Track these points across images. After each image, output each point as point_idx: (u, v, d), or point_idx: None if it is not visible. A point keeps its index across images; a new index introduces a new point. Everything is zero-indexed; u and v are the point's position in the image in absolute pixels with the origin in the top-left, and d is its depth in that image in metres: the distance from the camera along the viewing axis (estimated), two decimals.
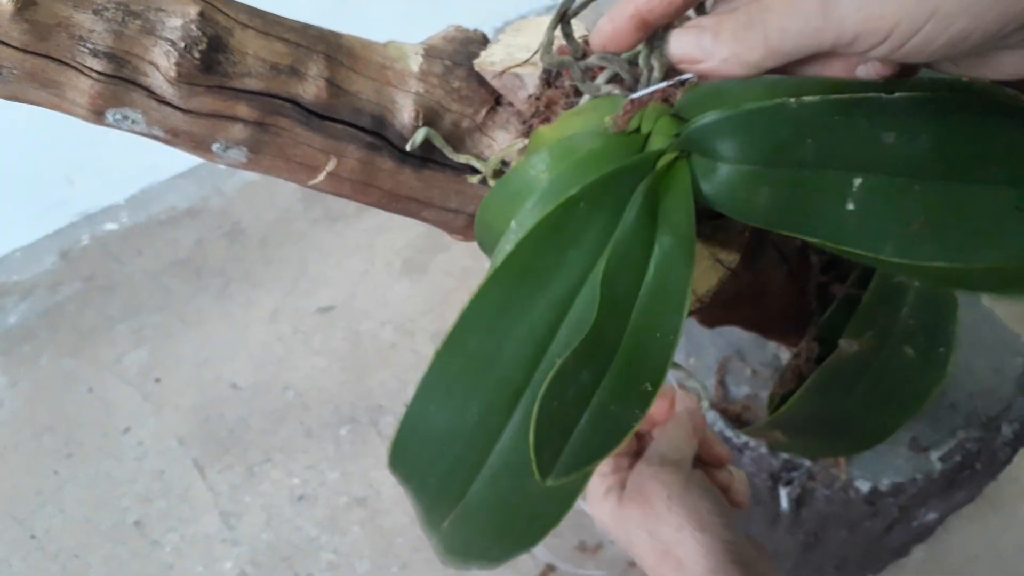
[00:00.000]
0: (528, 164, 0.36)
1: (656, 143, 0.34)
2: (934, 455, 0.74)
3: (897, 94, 0.31)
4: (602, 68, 0.41)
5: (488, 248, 0.40)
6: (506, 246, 0.34)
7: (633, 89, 0.42)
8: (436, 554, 0.41)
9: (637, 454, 0.47)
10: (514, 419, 0.34)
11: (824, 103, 0.31)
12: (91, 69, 0.36)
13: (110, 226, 1.29)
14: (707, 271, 0.38)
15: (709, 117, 0.33)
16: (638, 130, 0.35)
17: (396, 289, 1.21)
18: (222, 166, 1.46)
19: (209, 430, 1.10)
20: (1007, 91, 0.32)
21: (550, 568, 0.97)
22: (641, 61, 0.39)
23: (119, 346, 1.17)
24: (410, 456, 0.36)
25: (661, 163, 0.34)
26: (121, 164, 1.28)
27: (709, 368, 0.86)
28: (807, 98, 0.31)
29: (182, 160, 1.32)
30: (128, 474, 1.07)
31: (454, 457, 0.35)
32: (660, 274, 0.33)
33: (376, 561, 0.99)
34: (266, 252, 1.26)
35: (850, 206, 0.31)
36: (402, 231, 1.26)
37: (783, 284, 0.51)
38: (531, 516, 0.36)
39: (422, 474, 0.37)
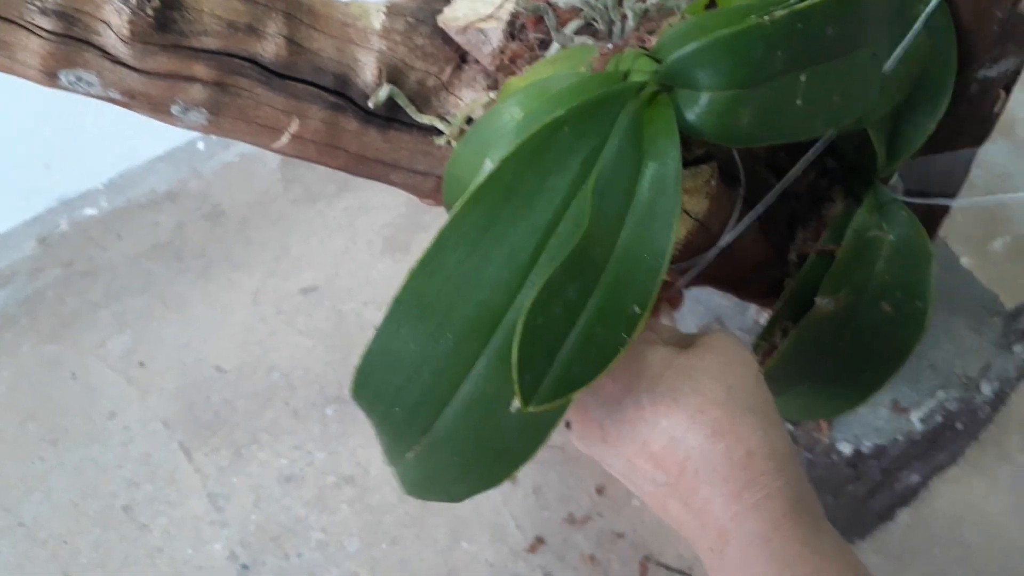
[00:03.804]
0: (500, 109, 0.35)
1: (636, 79, 0.34)
2: (915, 416, 0.74)
3: None
4: (571, 17, 0.40)
5: None
6: (483, 175, 0.33)
7: (606, 39, 0.41)
8: (399, 485, 0.39)
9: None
10: (491, 346, 0.33)
11: (791, 15, 0.32)
12: (41, 28, 0.35)
13: (89, 211, 1.28)
14: None
15: (689, 47, 0.33)
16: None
17: (378, 268, 1.20)
18: (201, 147, 1.43)
19: (194, 413, 1.09)
20: None
21: (539, 540, 0.97)
22: (610, 8, 0.38)
23: (101, 331, 1.17)
24: (376, 383, 0.34)
25: (643, 95, 0.34)
26: (99, 148, 1.26)
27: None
28: (777, 13, 0.32)
29: (160, 143, 1.31)
30: (114, 459, 1.06)
31: (423, 385, 0.33)
32: (649, 198, 0.32)
33: (365, 538, 0.99)
34: (247, 233, 1.25)
35: (799, 102, 0.33)
36: (383, 211, 1.25)
37: (754, 236, 0.51)
38: (500, 451, 0.34)
39: (387, 403, 0.35)
